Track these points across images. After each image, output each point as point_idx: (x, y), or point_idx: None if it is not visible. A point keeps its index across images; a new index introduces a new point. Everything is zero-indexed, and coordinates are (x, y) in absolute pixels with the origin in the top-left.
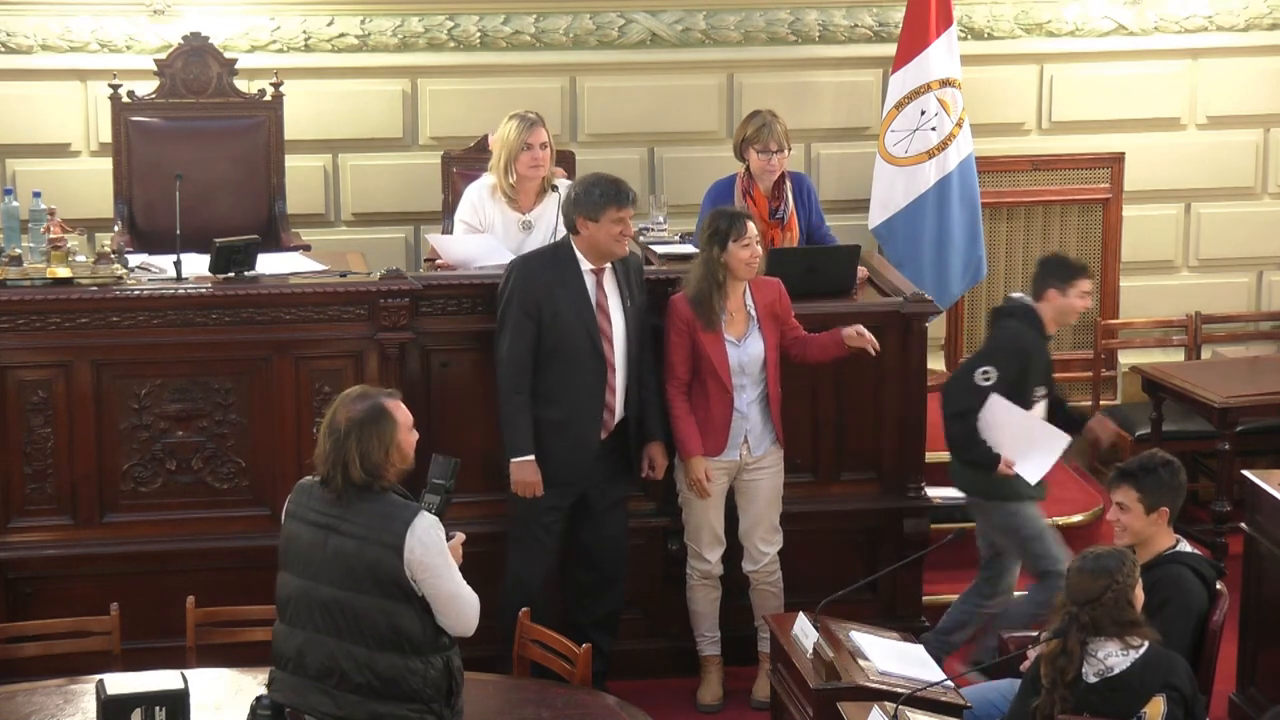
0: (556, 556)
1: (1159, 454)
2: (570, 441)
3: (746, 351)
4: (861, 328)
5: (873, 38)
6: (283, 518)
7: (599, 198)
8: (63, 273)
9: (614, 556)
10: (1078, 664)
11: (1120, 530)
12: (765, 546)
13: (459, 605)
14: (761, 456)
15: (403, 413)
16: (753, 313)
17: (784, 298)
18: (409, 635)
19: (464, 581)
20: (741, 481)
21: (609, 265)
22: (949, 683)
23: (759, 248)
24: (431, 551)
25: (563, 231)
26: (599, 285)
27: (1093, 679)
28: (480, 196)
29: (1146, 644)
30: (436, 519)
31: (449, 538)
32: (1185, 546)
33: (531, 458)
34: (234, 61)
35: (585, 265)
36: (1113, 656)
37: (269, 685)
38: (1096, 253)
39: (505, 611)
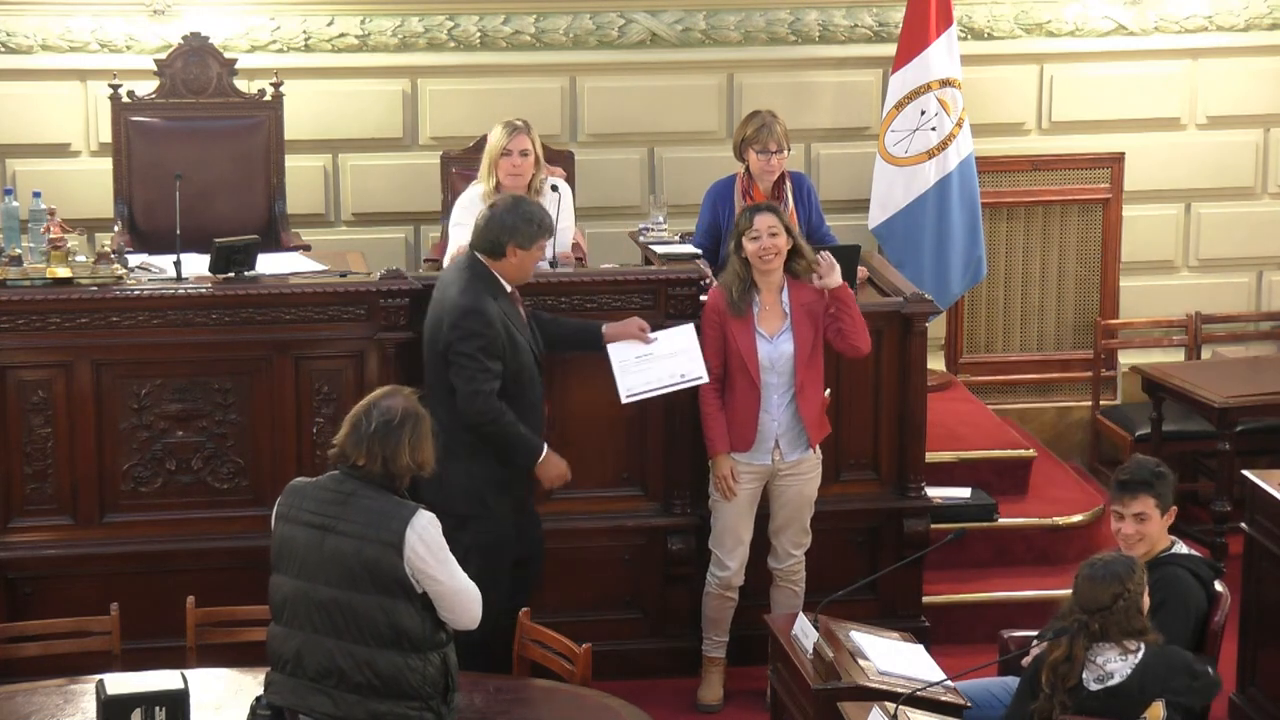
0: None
1: (1151, 460)
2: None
3: (778, 349)
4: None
5: (873, 38)
6: (273, 521)
7: (536, 230)
8: (63, 273)
9: (534, 537)
10: (1079, 670)
11: (1136, 541)
12: (794, 549)
13: (462, 600)
14: (796, 462)
15: None
16: (788, 311)
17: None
18: (409, 633)
19: (464, 575)
20: (775, 486)
21: None
22: (949, 682)
23: (772, 240)
24: (432, 549)
25: (562, 230)
26: (515, 303)
27: (1093, 686)
28: (473, 203)
29: (1143, 647)
30: (434, 516)
31: None
32: (1181, 548)
33: (546, 447)
34: (234, 61)
35: (506, 288)
36: (1112, 663)
37: (266, 687)
38: (1096, 253)
39: (476, 635)
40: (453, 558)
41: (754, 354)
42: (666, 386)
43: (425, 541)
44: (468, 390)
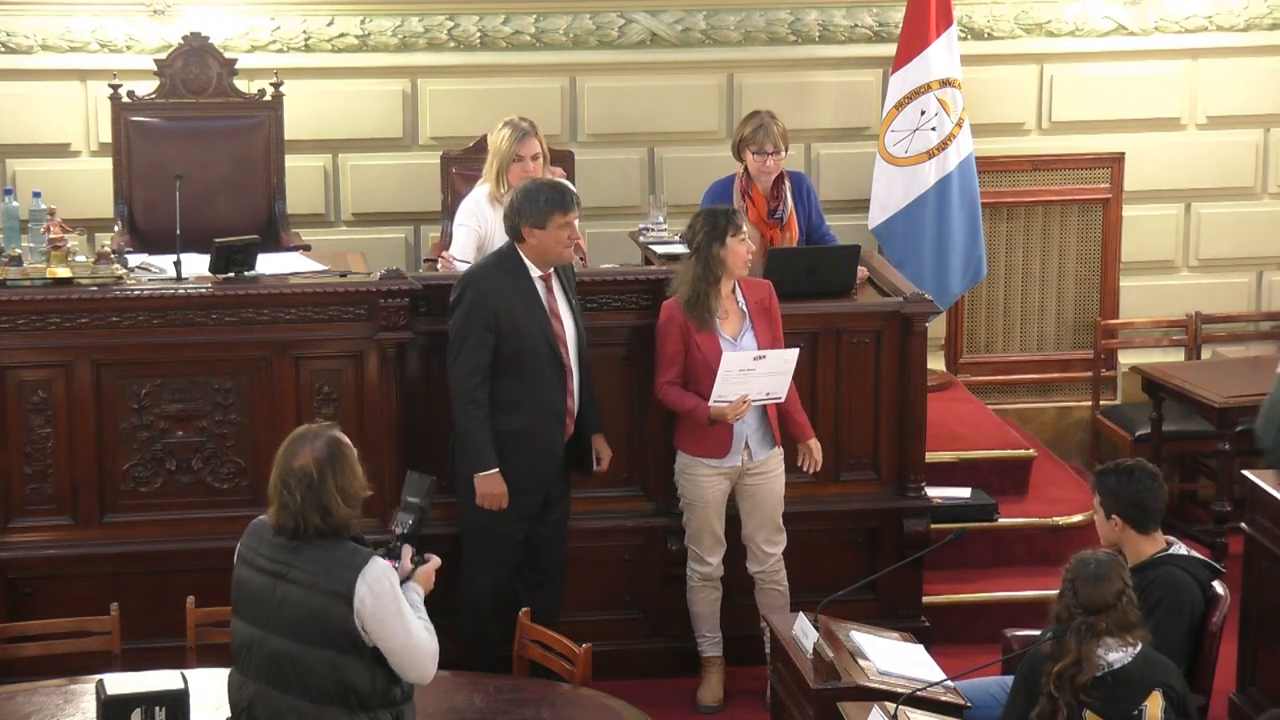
0: (514, 566)
1: (1126, 461)
2: (536, 450)
3: (742, 349)
4: (816, 451)
5: (873, 38)
6: (235, 559)
7: (544, 205)
8: (63, 273)
9: (555, 554)
10: (1092, 670)
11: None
12: (770, 547)
13: (413, 655)
14: (764, 460)
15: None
16: (745, 309)
17: (775, 300)
18: (356, 689)
19: (419, 627)
20: (744, 485)
21: (552, 270)
22: (949, 682)
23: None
24: (383, 600)
25: None
26: (548, 290)
27: (1098, 673)
28: (478, 204)
29: (1140, 644)
30: (389, 566)
31: (423, 561)
32: (1180, 549)
33: (497, 470)
34: (234, 61)
35: (534, 272)
36: (1113, 652)
37: None
38: (1096, 253)
39: (465, 626)
40: (405, 609)
41: (720, 359)
42: (752, 401)
43: (375, 593)
44: (451, 365)
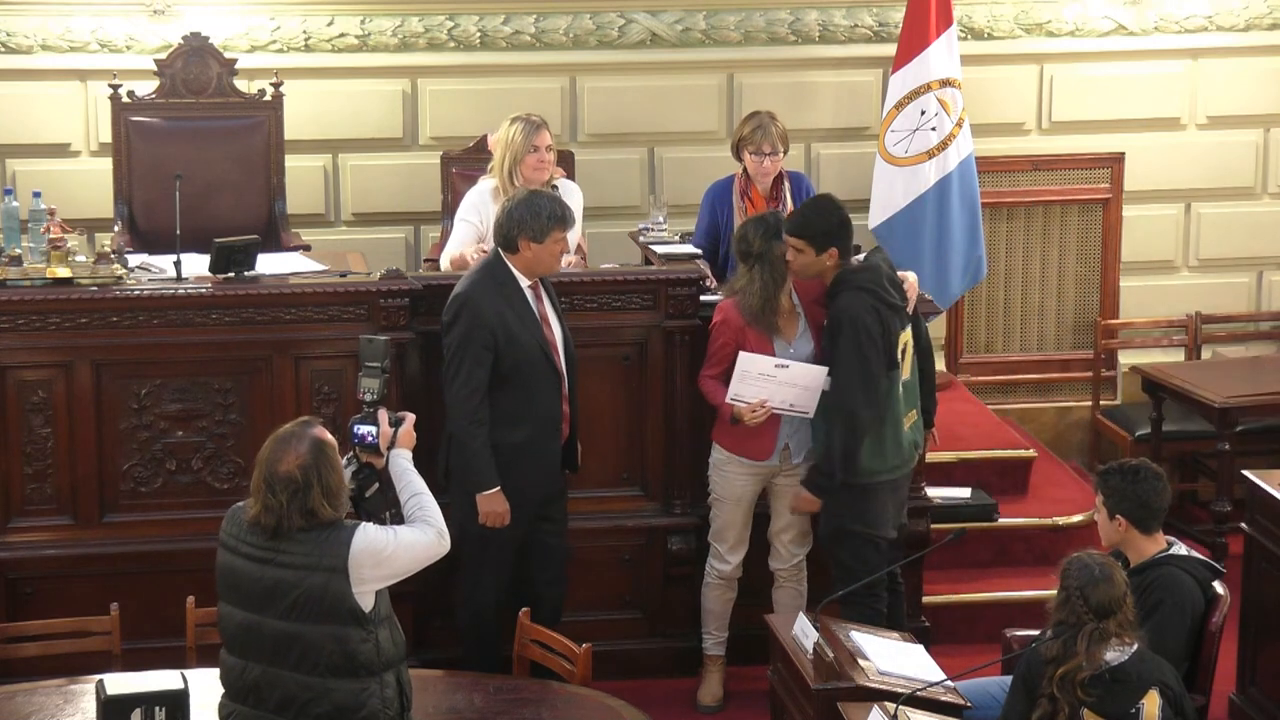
0: (516, 569)
1: (1131, 461)
2: (536, 459)
3: (799, 353)
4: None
5: (873, 38)
6: (219, 546)
7: (546, 219)
8: (63, 273)
9: (558, 554)
10: (1094, 668)
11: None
12: (796, 549)
13: (421, 552)
14: (800, 463)
15: (328, 433)
16: (800, 311)
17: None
18: (362, 658)
19: (414, 536)
20: (776, 485)
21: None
22: (949, 682)
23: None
24: (376, 544)
25: None
26: (537, 298)
27: (1096, 671)
28: (482, 199)
29: (1137, 643)
30: (365, 524)
31: (400, 421)
32: (1180, 549)
33: (499, 488)
34: (234, 61)
35: (524, 282)
36: (1111, 651)
37: (226, 718)
38: (1096, 253)
39: (465, 628)
40: (398, 532)
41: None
42: (773, 409)
43: (369, 546)
44: (449, 385)
